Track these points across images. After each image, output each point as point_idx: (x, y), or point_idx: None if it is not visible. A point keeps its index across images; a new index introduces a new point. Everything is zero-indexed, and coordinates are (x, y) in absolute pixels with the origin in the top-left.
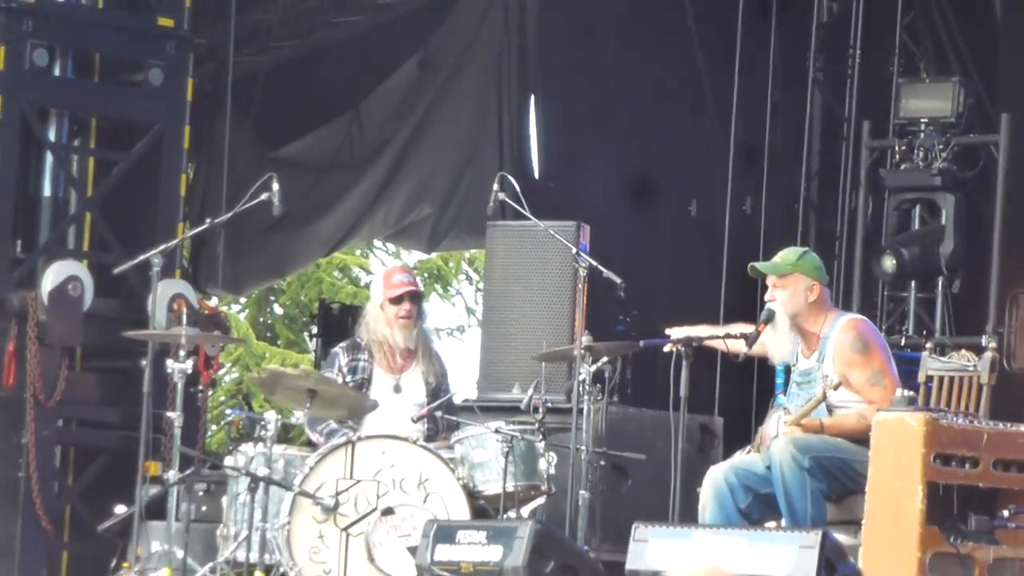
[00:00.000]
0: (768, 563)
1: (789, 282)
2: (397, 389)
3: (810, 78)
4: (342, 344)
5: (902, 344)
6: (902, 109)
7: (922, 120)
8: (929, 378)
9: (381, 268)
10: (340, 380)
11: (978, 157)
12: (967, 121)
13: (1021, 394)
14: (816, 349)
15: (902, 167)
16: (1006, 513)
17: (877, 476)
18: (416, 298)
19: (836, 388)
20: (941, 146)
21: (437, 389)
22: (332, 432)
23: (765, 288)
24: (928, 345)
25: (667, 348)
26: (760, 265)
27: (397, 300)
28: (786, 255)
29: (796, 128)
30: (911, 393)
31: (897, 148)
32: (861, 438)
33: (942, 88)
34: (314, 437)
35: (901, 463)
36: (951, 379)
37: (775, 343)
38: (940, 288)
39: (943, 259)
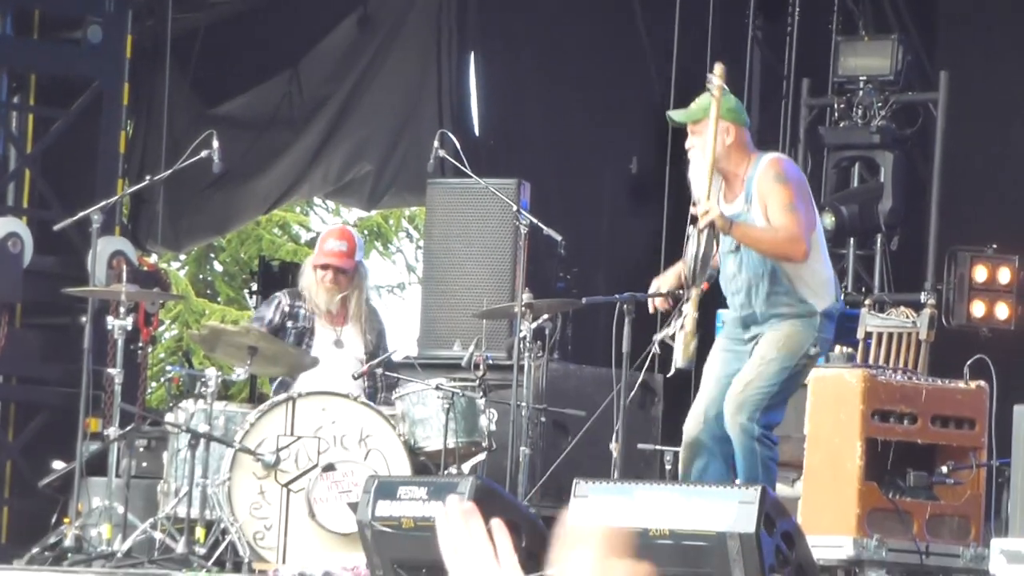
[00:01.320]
0: (709, 518)
1: (700, 125)
2: (338, 344)
3: (749, 36)
4: (285, 290)
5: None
6: (841, 67)
7: (861, 78)
8: (868, 334)
9: (325, 227)
10: (277, 318)
11: (917, 115)
12: (906, 79)
13: (959, 351)
14: (741, 191)
15: (841, 125)
16: (944, 469)
17: (816, 432)
18: (341, 272)
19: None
20: (880, 104)
21: (376, 348)
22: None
23: None
24: (867, 302)
25: (656, 307)
26: (675, 114)
27: (323, 267)
28: (701, 100)
29: (736, 86)
30: (849, 350)
31: (836, 106)
32: (767, 252)
33: (881, 46)
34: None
35: (840, 419)
36: (890, 335)
37: (695, 181)
38: (879, 245)
39: (882, 216)
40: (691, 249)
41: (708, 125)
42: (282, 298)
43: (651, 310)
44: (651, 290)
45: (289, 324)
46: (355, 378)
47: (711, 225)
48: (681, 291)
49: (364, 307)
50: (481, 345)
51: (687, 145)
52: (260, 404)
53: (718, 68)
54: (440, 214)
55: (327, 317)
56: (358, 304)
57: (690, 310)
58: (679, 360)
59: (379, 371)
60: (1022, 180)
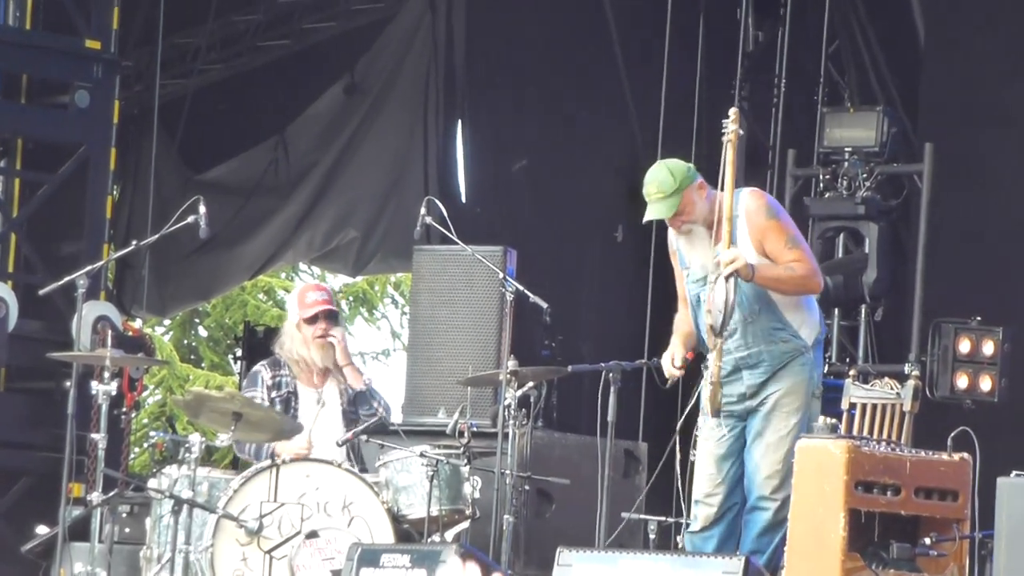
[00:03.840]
0: None
1: (685, 202)
2: (320, 402)
3: (736, 106)
4: (263, 362)
5: (825, 372)
6: (826, 138)
7: (846, 149)
8: (852, 405)
9: (295, 288)
10: (266, 397)
11: (902, 186)
12: (891, 150)
13: (943, 422)
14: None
15: (826, 196)
16: (927, 541)
17: (800, 503)
18: (332, 316)
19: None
20: (865, 175)
21: (355, 396)
22: (260, 447)
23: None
24: (851, 372)
25: (677, 374)
26: (653, 216)
27: (312, 320)
28: (662, 187)
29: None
30: (833, 421)
31: (821, 177)
32: (789, 291)
33: (866, 117)
34: (243, 456)
35: (823, 490)
36: (874, 407)
37: (701, 258)
38: (863, 316)
39: (866, 287)
40: (718, 297)
41: (684, 202)
42: (263, 372)
43: (667, 384)
44: (665, 363)
45: (274, 395)
46: (339, 445)
47: (735, 272)
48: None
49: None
50: (466, 412)
51: (674, 236)
52: (244, 470)
53: (734, 113)
54: (426, 280)
55: (307, 378)
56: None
57: (715, 360)
58: (707, 410)
59: (364, 437)
60: (1005, 252)
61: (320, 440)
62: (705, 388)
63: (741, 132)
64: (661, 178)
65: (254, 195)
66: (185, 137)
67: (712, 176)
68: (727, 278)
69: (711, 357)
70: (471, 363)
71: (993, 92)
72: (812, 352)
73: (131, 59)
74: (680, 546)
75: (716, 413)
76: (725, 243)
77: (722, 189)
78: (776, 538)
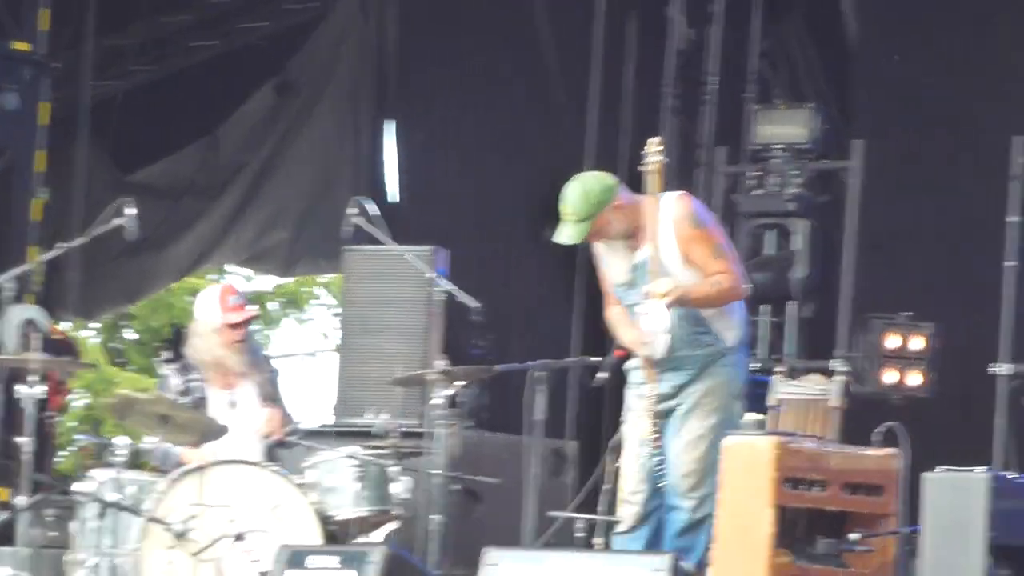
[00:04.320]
0: None
1: (600, 224)
2: (232, 405)
3: (666, 104)
4: (172, 366)
5: (754, 368)
6: (757, 135)
7: (777, 146)
8: (779, 401)
9: (206, 290)
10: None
11: (831, 183)
12: (821, 147)
13: (870, 418)
14: (647, 240)
15: (756, 192)
16: (854, 536)
17: (727, 499)
18: (249, 324)
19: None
20: (795, 172)
21: (272, 396)
22: (166, 454)
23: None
24: (779, 369)
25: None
26: (561, 240)
27: (236, 326)
28: (576, 208)
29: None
30: (761, 417)
31: (751, 174)
32: (716, 305)
33: (796, 114)
34: (155, 464)
35: (751, 486)
36: (801, 402)
37: (620, 264)
38: (791, 313)
39: (795, 284)
40: (655, 326)
41: (600, 221)
42: (171, 377)
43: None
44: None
45: (183, 401)
46: (270, 448)
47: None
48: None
49: (251, 363)
50: (395, 413)
51: (596, 254)
52: (171, 475)
53: (655, 142)
54: (356, 281)
55: (220, 380)
56: (252, 359)
57: (651, 391)
58: (647, 443)
59: (292, 438)
60: (935, 248)
61: (234, 442)
62: (644, 420)
63: (666, 160)
64: (575, 200)
65: (184, 196)
66: (116, 138)
67: (638, 179)
68: (668, 307)
69: (645, 389)
70: (401, 363)
71: (924, 89)
72: (735, 354)
73: (61, 61)
74: (599, 546)
75: (656, 444)
76: (653, 273)
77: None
78: (700, 538)
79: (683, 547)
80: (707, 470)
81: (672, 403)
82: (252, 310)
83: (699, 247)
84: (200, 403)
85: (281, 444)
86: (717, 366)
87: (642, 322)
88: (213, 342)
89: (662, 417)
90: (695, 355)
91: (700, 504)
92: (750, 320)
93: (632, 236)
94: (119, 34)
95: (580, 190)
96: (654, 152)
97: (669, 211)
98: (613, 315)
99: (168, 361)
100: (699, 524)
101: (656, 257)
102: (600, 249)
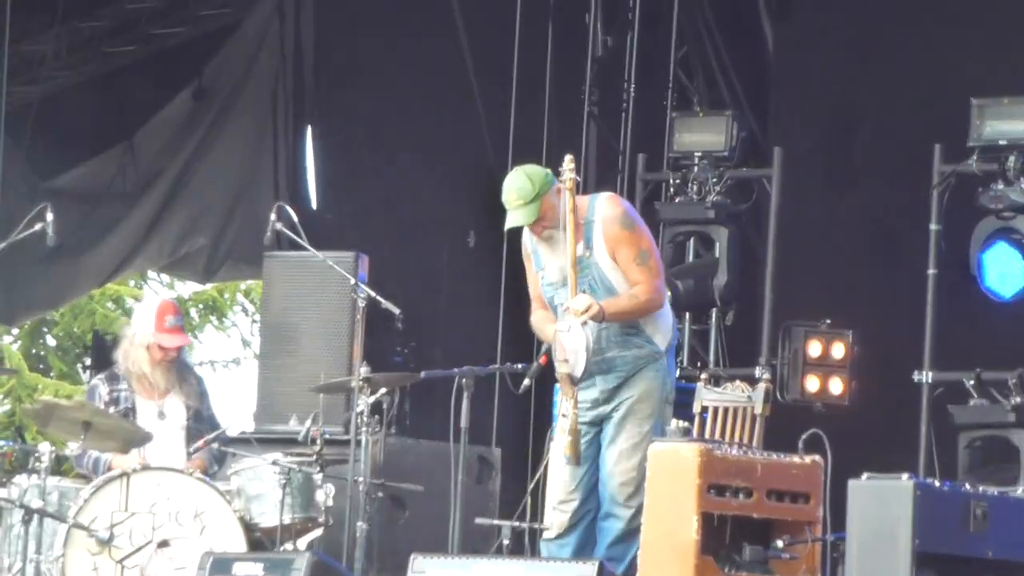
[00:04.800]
0: None
1: (545, 208)
2: (161, 416)
3: (585, 111)
4: (100, 375)
5: (677, 376)
6: (676, 143)
7: (696, 153)
8: (704, 409)
9: (149, 301)
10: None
11: (751, 190)
12: (740, 155)
13: (794, 425)
14: (581, 238)
15: (676, 200)
16: (780, 543)
17: (652, 506)
18: (169, 356)
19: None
20: (715, 179)
21: (199, 411)
22: (97, 461)
23: None
24: (703, 376)
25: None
26: (513, 223)
27: (167, 349)
28: (521, 194)
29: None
30: (685, 424)
31: (672, 181)
32: (637, 318)
33: (715, 122)
34: (83, 471)
35: (676, 493)
36: (725, 410)
37: (559, 261)
38: (714, 320)
39: (717, 291)
40: (576, 344)
41: (543, 207)
42: (100, 387)
43: (521, 390)
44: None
45: (112, 410)
46: (191, 454)
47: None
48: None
49: (179, 375)
50: (318, 420)
51: (536, 240)
52: (95, 481)
53: (569, 160)
54: (277, 287)
55: (148, 391)
56: (179, 373)
57: (572, 408)
58: (569, 460)
59: (215, 445)
60: (855, 255)
61: (162, 453)
62: (561, 437)
63: (578, 179)
64: (519, 185)
65: (102, 202)
66: (33, 144)
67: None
68: (584, 323)
69: (567, 405)
70: (323, 370)
71: (841, 96)
72: (665, 358)
73: None
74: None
75: (576, 461)
76: (572, 290)
77: (564, 230)
78: (632, 547)
79: (616, 555)
80: (643, 478)
81: (605, 409)
82: (184, 339)
83: (625, 249)
84: (128, 412)
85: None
86: (649, 370)
87: (563, 339)
88: (141, 357)
89: (595, 424)
90: (625, 356)
91: (637, 513)
92: (677, 325)
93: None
94: (35, 39)
95: (522, 175)
96: (568, 169)
97: (600, 210)
98: (538, 318)
99: (94, 369)
100: (634, 533)
101: (586, 255)
102: (535, 247)
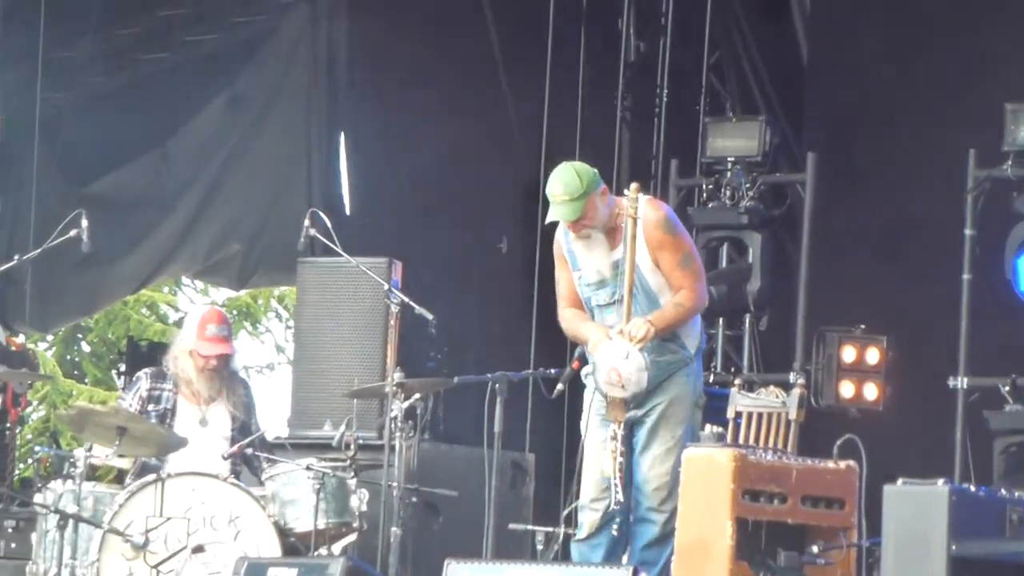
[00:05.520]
0: None
1: (589, 207)
2: (203, 422)
3: (618, 116)
4: (148, 369)
5: (711, 381)
6: (709, 148)
7: (729, 159)
8: (738, 414)
9: (198, 308)
10: (135, 405)
11: (785, 196)
12: (773, 160)
13: (829, 431)
14: (620, 240)
15: (709, 205)
16: (815, 549)
17: (686, 511)
18: (220, 364)
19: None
20: (748, 185)
21: (245, 423)
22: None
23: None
24: (736, 382)
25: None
26: (556, 217)
27: (209, 357)
28: (568, 189)
29: (604, 168)
30: (719, 429)
31: (704, 186)
32: (684, 324)
33: (748, 127)
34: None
35: (710, 499)
36: (760, 415)
37: (596, 263)
38: (748, 326)
39: (750, 297)
40: (635, 370)
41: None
42: (143, 382)
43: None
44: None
45: (151, 408)
46: (225, 458)
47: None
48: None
49: (228, 383)
50: (352, 425)
51: (576, 238)
52: (129, 485)
53: (635, 189)
54: (311, 293)
55: (192, 397)
56: (227, 382)
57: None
58: (609, 472)
59: (249, 450)
60: (890, 260)
61: (202, 460)
62: (612, 460)
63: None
64: (567, 180)
65: (137, 208)
66: (68, 151)
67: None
68: (639, 348)
69: (615, 429)
70: (357, 375)
71: (874, 101)
72: (695, 362)
73: (12, 73)
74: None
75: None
76: (627, 315)
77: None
78: (666, 550)
79: (650, 559)
80: (676, 482)
81: (638, 413)
82: (225, 348)
83: (667, 254)
84: (167, 413)
85: (244, 458)
86: (680, 375)
87: (620, 367)
88: (187, 363)
89: (626, 427)
90: (659, 361)
91: (671, 517)
92: (705, 331)
93: (610, 232)
94: (70, 46)
95: (572, 170)
96: (632, 199)
97: (643, 215)
98: (570, 315)
99: (128, 375)
100: (668, 537)
101: (628, 258)
102: (572, 247)
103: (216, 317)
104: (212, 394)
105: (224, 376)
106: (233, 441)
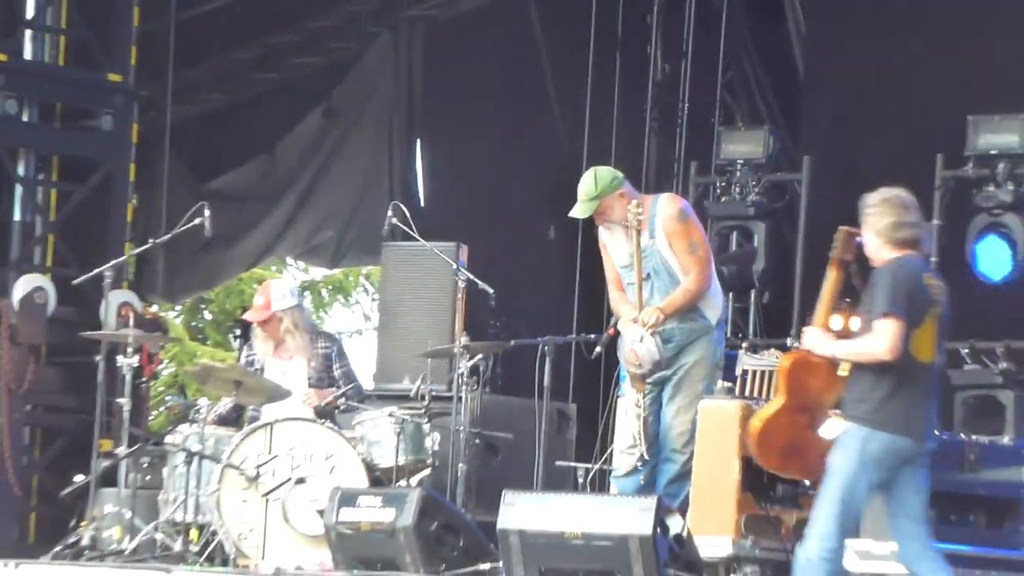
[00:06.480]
0: (614, 523)
1: (604, 207)
2: (284, 374)
3: (647, 126)
4: (247, 343)
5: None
6: (722, 152)
7: (738, 161)
8: (744, 372)
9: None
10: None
11: (784, 191)
12: (775, 162)
13: None
14: (645, 229)
15: (722, 200)
16: (807, 483)
17: (702, 452)
18: (263, 323)
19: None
20: (754, 183)
21: (322, 372)
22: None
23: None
24: (743, 345)
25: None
26: (573, 215)
27: (257, 320)
28: (587, 190)
29: (635, 169)
30: (729, 384)
31: (718, 184)
32: (693, 305)
33: (754, 135)
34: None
35: (721, 442)
36: (763, 373)
37: (619, 251)
38: (753, 299)
39: (755, 275)
40: (648, 351)
41: (605, 204)
42: (243, 352)
43: (593, 355)
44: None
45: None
46: (323, 407)
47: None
48: None
49: (300, 341)
50: (426, 380)
51: (604, 227)
52: (243, 428)
53: (636, 205)
54: (392, 272)
55: (276, 354)
56: (294, 341)
57: (642, 400)
58: (637, 442)
59: (342, 400)
60: None
61: (285, 405)
62: (637, 422)
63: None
64: (586, 184)
65: (248, 201)
66: (192, 154)
67: (632, 178)
68: (653, 333)
69: (638, 397)
70: (430, 339)
71: (860, 112)
72: (716, 331)
73: (147, 89)
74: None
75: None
76: (638, 305)
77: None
78: (686, 486)
79: (672, 492)
80: (695, 429)
81: (667, 373)
82: (257, 315)
83: (679, 240)
84: (259, 372)
85: (335, 407)
86: (702, 340)
87: (636, 349)
88: (255, 328)
89: (657, 384)
90: (682, 328)
91: (689, 458)
92: (726, 304)
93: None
94: (194, 67)
95: (591, 176)
96: (635, 214)
97: (661, 207)
98: (614, 298)
99: (242, 339)
100: (687, 474)
101: (650, 244)
102: (605, 239)
103: (264, 289)
104: (287, 351)
105: (291, 332)
106: (315, 385)
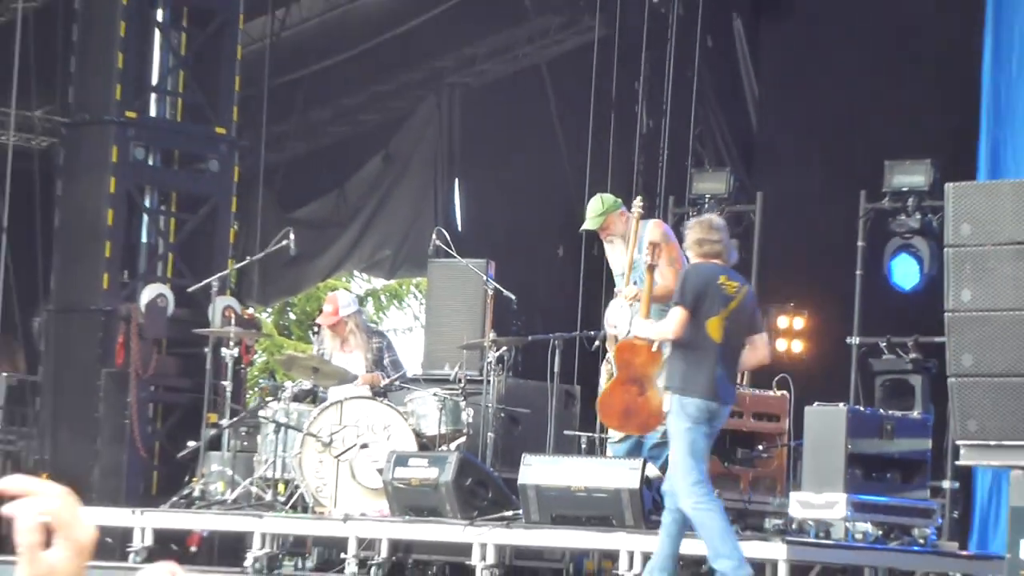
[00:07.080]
0: (610, 479)
1: (609, 222)
2: (347, 363)
3: (635, 169)
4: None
5: None
6: (693, 189)
7: (706, 196)
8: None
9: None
10: None
11: (742, 220)
12: (735, 197)
13: (770, 372)
14: (636, 245)
15: None
16: (760, 448)
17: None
18: (331, 327)
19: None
20: (718, 212)
21: (376, 362)
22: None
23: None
24: None
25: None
26: (584, 227)
27: (326, 324)
28: (595, 208)
29: (626, 201)
30: None
31: (690, 213)
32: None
33: (719, 175)
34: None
35: None
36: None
37: (617, 261)
38: None
39: None
40: (623, 316)
41: (610, 221)
42: (314, 346)
43: (592, 348)
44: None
45: None
46: (382, 389)
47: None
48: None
49: (360, 339)
50: (463, 367)
51: (607, 240)
52: (319, 405)
53: (640, 200)
54: (436, 281)
55: (341, 348)
56: (355, 339)
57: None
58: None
59: (396, 384)
60: (812, 261)
61: (347, 388)
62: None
63: (642, 211)
64: (594, 205)
65: (324, 227)
66: (281, 189)
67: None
68: (630, 305)
69: (610, 355)
70: (466, 335)
71: (801, 157)
72: None
73: (246, 139)
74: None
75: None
76: (626, 281)
77: (624, 242)
78: (665, 450)
79: (654, 455)
80: None
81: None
82: (326, 319)
83: (662, 255)
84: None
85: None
86: None
87: (617, 313)
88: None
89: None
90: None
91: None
92: None
93: (626, 239)
94: (283, 123)
95: (599, 198)
96: (638, 206)
97: (649, 231)
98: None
99: (315, 334)
100: (666, 443)
101: (640, 259)
102: (609, 249)
103: (332, 298)
104: (350, 347)
105: (354, 332)
106: (370, 372)
